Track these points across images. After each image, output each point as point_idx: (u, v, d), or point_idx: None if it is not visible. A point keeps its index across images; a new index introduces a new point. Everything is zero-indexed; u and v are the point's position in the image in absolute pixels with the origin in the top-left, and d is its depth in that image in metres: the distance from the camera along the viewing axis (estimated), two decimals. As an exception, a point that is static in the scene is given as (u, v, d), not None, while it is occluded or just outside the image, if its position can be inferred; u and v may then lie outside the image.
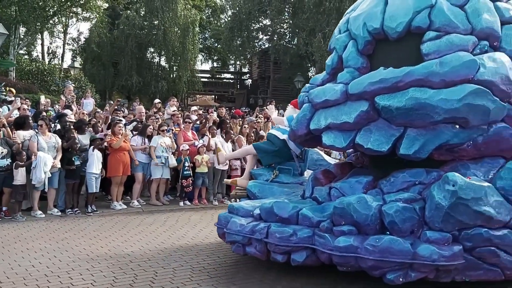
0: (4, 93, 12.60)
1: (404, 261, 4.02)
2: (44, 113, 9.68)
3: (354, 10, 5.52)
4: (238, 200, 6.01)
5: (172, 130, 10.28)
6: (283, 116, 7.23)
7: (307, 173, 6.23)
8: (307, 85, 5.76)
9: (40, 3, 22.05)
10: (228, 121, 11.31)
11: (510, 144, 4.93)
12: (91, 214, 8.55)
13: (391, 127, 4.74)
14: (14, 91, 12.40)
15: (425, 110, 4.50)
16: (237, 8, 32.18)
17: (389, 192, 4.78)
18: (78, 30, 50.02)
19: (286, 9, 31.88)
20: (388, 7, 5.03)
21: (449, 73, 4.49)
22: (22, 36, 25.80)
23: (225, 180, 6.76)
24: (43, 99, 12.83)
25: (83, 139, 8.89)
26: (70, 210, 8.51)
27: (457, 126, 4.62)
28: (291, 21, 31.27)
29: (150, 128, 9.67)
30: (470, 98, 4.42)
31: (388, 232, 4.28)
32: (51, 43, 38.29)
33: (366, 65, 5.15)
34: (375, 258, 4.06)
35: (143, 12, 31.71)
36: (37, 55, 36.00)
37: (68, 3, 24.78)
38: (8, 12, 22.12)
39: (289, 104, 6.75)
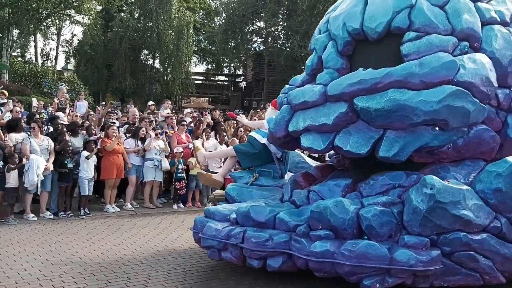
0: None
1: (381, 266, 3.92)
2: (37, 116, 9.66)
3: (334, 10, 5.44)
4: (216, 203, 5.88)
5: (166, 132, 10.31)
6: None
7: (288, 176, 6.12)
8: (286, 86, 5.65)
9: (34, 5, 21.94)
10: (222, 124, 11.25)
11: (490, 147, 4.87)
12: (84, 217, 8.48)
13: (370, 129, 4.65)
14: (6, 93, 12.39)
15: (404, 111, 4.41)
16: (231, 11, 32.15)
17: (369, 195, 4.68)
18: (72, 32, 49.45)
19: (280, 12, 31.88)
20: (368, 7, 4.94)
21: (429, 74, 4.41)
22: (15, 38, 25.63)
23: (199, 172, 6.55)
24: (35, 101, 12.78)
25: (76, 141, 8.87)
26: (62, 213, 8.44)
27: (437, 128, 4.54)
28: (285, 24, 31.26)
29: (143, 131, 9.63)
30: (450, 99, 4.34)
31: (365, 237, 4.18)
32: (44, 45, 38.03)
33: (345, 66, 5.06)
34: (352, 263, 3.96)
35: (137, 14, 31.61)
36: (31, 57, 35.88)
37: (62, 5, 24.60)
38: (1, 14, 22.04)
39: (270, 105, 6.63)
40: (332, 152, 5.63)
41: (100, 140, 9.07)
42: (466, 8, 4.74)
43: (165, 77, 31.62)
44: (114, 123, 9.60)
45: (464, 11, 4.71)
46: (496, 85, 4.64)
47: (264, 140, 5.97)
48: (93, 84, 29.50)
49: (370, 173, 4.98)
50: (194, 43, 35.04)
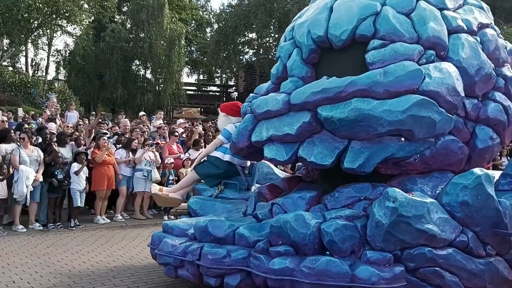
0: None
1: (341, 284, 3.71)
2: (25, 126, 9.68)
3: (300, 17, 5.29)
4: (179, 217, 5.63)
5: (158, 143, 10.28)
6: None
7: (255, 188, 5.90)
8: (251, 94, 5.46)
9: (25, 15, 21.81)
10: (213, 134, 11.12)
11: (458, 158, 4.75)
12: (74, 228, 8.37)
13: (335, 139, 4.49)
14: None
15: (368, 121, 4.26)
16: (223, 22, 32.20)
17: (333, 208, 4.51)
18: (65, 42, 49.01)
19: (272, 23, 31.97)
20: (333, 14, 4.80)
21: (393, 83, 4.27)
22: (5, 48, 25.15)
23: (152, 187, 6.14)
24: (20, 111, 12.73)
25: (64, 152, 8.76)
26: (52, 224, 8.33)
27: (403, 139, 4.40)
28: (276, 35, 31.40)
29: (135, 142, 9.59)
30: (415, 109, 4.21)
31: (327, 252, 3.98)
32: (35, 55, 37.61)
33: (310, 74, 4.90)
34: (312, 281, 3.74)
35: (129, 25, 31.69)
36: (21, 67, 35.50)
37: (53, 16, 24.36)
38: None
39: (220, 111, 6.33)
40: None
41: (91, 151, 9.01)
42: (432, 16, 4.63)
43: (157, 88, 31.56)
44: (105, 133, 9.56)
45: (430, 19, 4.60)
46: (463, 94, 4.52)
47: (227, 157, 5.71)
48: (84, 95, 29.35)
49: (338, 184, 4.81)
50: (186, 53, 35.08)
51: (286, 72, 5.09)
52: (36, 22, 23.91)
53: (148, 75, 33.28)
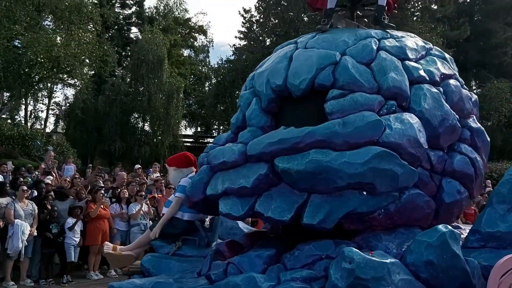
0: None
1: None
2: (21, 179, 9.68)
3: (261, 67, 5.16)
4: (131, 276, 5.20)
5: (155, 196, 10.24)
6: None
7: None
8: (209, 144, 5.23)
9: (26, 70, 21.77)
10: None
11: (425, 213, 4.51)
12: (66, 284, 8.23)
13: (294, 192, 4.23)
14: None
15: (327, 174, 4.03)
16: (221, 76, 32.74)
17: (293, 267, 4.17)
18: (65, 95, 49.66)
19: None
20: (293, 63, 4.68)
21: (353, 134, 4.09)
22: (5, 101, 25.14)
23: (105, 246, 5.66)
24: (10, 164, 12.69)
25: (63, 205, 8.64)
26: (43, 280, 8.17)
27: (365, 193, 4.16)
28: None
29: (126, 195, 9.48)
30: (375, 161, 4.00)
31: (282, 319, 3.61)
32: (34, 108, 37.71)
33: (270, 124, 4.70)
34: None
35: (128, 79, 31.90)
36: (20, 120, 35.31)
37: (54, 70, 24.36)
38: None
39: (168, 166, 5.97)
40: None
41: (86, 204, 8.90)
42: (393, 66, 4.53)
43: (155, 140, 31.43)
44: (102, 187, 9.57)
45: (391, 69, 4.49)
46: (426, 146, 4.34)
47: (187, 216, 5.35)
48: (82, 147, 29.02)
49: (303, 241, 4.50)
50: (184, 107, 35.55)
51: (245, 122, 4.89)
52: (37, 76, 24.02)
53: (147, 128, 33.38)
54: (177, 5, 38.85)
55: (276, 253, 4.45)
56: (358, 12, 5.80)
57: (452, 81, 4.92)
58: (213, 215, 5.50)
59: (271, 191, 4.27)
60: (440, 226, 3.81)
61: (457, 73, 5.20)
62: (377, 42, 4.70)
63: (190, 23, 41.77)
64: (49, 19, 24.01)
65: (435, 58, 4.99)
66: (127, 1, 38.83)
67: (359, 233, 4.47)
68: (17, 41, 22.30)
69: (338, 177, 4.02)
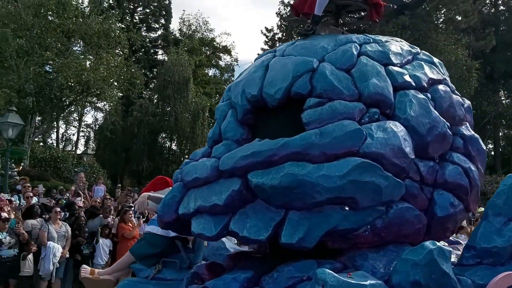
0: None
1: None
2: (53, 201, 10.09)
3: (239, 77, 4.91)
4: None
5: None
6: None
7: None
8: (186, 160, 4.96)
9: (57, 94, 22.42)
10: None
11: (415, 228, 4.17)
12: None
13: (270, 209, 3.93)
14: (27, 178, 12.50)
15: (304, 188, 3.73)
16: None
17: (272, 291, 3.84)
18: (95, 117, 51.22)
19: None
20: (269, 72, 4.42)
21: (330, 145, 3.79)
22: (37, 125, 25.73)
23: (82, 270, 5.32)
24: (41, 187, 12.82)
25: (94, 226, 8.76)
26: None
27: (347, 208, 3.84)
28: None
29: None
30: (356, 174, 3.69)
31: None
32: (65, 131, 38.58)
33: (246, 137, 4.42)
34: None
35: (156, 100, 32.89)
36: (52, 142, 36.16)
37: (84, 93, 25.07)
38: (25, 103, 22.33)
39: (142, 194, 5.62)
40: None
41: (116, 225, 9.03)
42: (375, 72, 4.24)
43: (181, 159, 32.44)
44: (130, 207, 9.56)
45: (372, 75, 4.21)
46: (412, 156, 4.02)
47: (164, 232, 5.05)
48: (111, 167, 30.19)
49: (288, 261, 4.18)
50: (210, 125, 36.41)
51: (222, 135, 4.62)
52: (68, 100, 24.62)
53: (174, 147, 34.40)
54: (201, 26, 39.83)
55: (255, 275, 4.13)
56: (341, 19, 5.55)
57: (441, 87, 4.61)
58: (189, 236, 5.20)
59: (246, 208, 3.97)
60: (427, 243, 3.48)
61: (447, 78, 4.90)
62: (358, 47, 4.43)
63: (214, 43, 42.55)
64: (78, 45, 25.00)
65: (422, 62, 4.70)
66: (153, 25, 40.08)
67: (344, 252, 4.14)
68: (48, 66, 23.18)
69: (315, 191, 3.72)
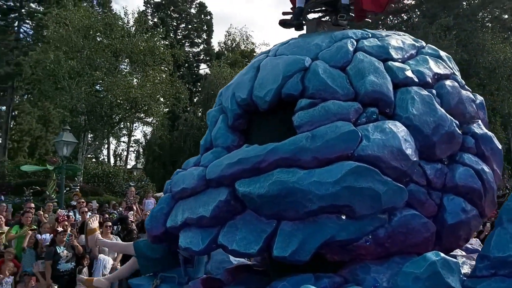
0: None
1: None
2: (106, 215, 10.12)
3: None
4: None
5: None
6: None
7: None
8: (177, 170, 4.72)
9: (107, 111, 23.30)
10: None
11: (423, 237, 3.81)
12: None
13: (260, 220, 3.65)
14: (80, 194, 12.91)
15: (294, 197, 3.45)
16: None
17: (265, 309, 3.55)
18: (143, 132, 53.23)
19: None
20: (259, 73, 4.16)
21: (322, 149, 3.50)
22: (90, 142, 26.71)
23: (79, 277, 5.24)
24: (94, 203, 13.18)
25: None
26: None
27: (344, 217, 3.53)
28: None
29: None
30: (350, 179, 3.38)
31: None
32: (116, 147, 40.10)
33: (237, 143, 4.17)
34: None
35: (200, 114, 33.56)
36: (103, 158, 37.50)
37: (133, 109, 25.94)
38: (78, 121, 23.44)
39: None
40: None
41: None
42: (372, 68, 3.92)
43: None
44: None
45: (370, 72, 3.88)
46: (415, 158, 3.68)
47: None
48: (160, 181, 31.07)
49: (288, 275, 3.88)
50: None
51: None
52: (117, 117, 25.44)
53: None
54: (243, 39, 40.40)
55: (249, 291, 3.84)
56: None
57: (448, 82, 4.25)
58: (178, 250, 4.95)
59: (235, 220, 3.71)
60: (430, 254, 3.13)
61: (456, 73, 4.53)
62: (355, 43, 4.12)
63: (255, 54, 43.30)
64: (125, 63, 25.74)
65: (427, 57, 4.34)
66: (196, 40, 41.02)
67: (346, 264, 3.81)
68: (98, 85, 24.19)
69: (307, 199, 3.42)
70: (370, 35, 4.32)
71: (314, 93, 3.81)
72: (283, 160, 3.53)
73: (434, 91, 4.10)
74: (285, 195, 3.45)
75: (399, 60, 4.16)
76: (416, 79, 4.05)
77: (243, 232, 3.64)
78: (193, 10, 40.73)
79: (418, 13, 27.33)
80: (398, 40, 4.32)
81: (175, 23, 40.71)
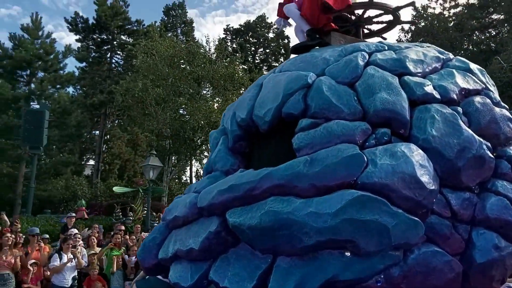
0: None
1: None
2: None
3: (238, 100, 4.36)
4: None
5: None
6: None
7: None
8: (178, 195, 4.43)
9: (190, 135, 24.36)
10: None
11: (447, 278, 3.28)
12: None
13: (255, 255, 3.27)
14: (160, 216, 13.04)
15: (289, 229, 3.05)
16: None
17: None
18: None
19: None
20: (261, 92, 3.82)
21: (321, 175, 3.08)
22: (174, 164, 28.27)
23: None
24: None
25: None
26: None
27: (348, 254, 3.07)
28: None
29: None
30: (352, 210, 2.94)
31: None
32: (198, 168, 41.87)
33: (238, 167, 3.82)
34: None
35: None
36: (186, 179, 39.40)
37: None
38: (163, 145, 24.76)
39: None
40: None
41: None
42: (384, 84, 3.47)
43: None
44: None
45: (381, 88, 3.44)
46: (432, 187, 3.17)
47: None
48: None
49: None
50: None
51: (214, 166, 4.06)
52: (199, 140, 26.73)
53: None
54: None
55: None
56: (367, 27, 4.83)
57: (478, 99, 3.71)
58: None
59: (228, 253, 3.34)
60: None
61: (491, 87, 3.97)
62: (366, 57, 3.70)
63: None
64: (207, 89, 26.61)
65: (453, 70, 3.84)
66: (273, 64, 42.44)
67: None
68: (182, 110, 25.06)
69: (303, 233, 3.00)
70: (387, 48, 3.88)
71: (316, 112, 3.41)
72: (278, 187, 3.14)
73: (460, 109, 3.58)
74: (279, 228, 3.05)
75: (419, 74, 3.68)
76: (438, 96, 3.56)
77: (235, 268, 3.26)
78: (270, 35, 41.62)
79: (508, 27, 25.41)
80: (419, 53, 3.85)
81: (253, 48, 41.72)
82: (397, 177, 3.05)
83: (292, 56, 4.34)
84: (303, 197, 3.09)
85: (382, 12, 4.29)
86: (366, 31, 4.90)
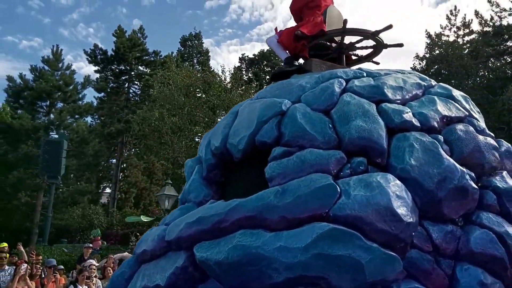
0: None
1: None
2: None
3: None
4: None
5: None
6: None
7: None
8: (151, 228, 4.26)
9: None
10: None
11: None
12: None
13: (224, 292, 3.06)
14: None
15: (258, 265, 2.87)
16: None
17: None
18: None
19: None
20: (237, 119, 3.70)
21: (292, 206, 2.93)
22: None
23: None
24: None
25: None
26: None
27: (321, 291, 2.88)
28: None
29: None
30: (323, 245, 2.78)
31: None
32: None
33: (211, 198, 3.66)
34: None
35: None
36: None
37: None
38: (179, 173, 24.61)
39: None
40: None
41: None
42: (360, 111, 3.35)
43: None
44: None
45: (356, 116, 3.32)
46: (410, 220, 3.00)
47: None
48: None
49: None
50: None
51: (189, 197, 3.91)
52: None
53: None
54: None
55: None
56: (354, 52, 4.75)
57: (460, 126, 3.57)
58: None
59: (196, 289, 3.14)
60: None
61: (474, 114, 3.84)
62: (343, 83, 3.59)
63: None
64: (222, 117, 26.86)
65: (434, 97, 3.72)
66: None
67: None
68: (197, 139, 25.33)
69: (272, 269, 2.83)
70: (365, 74, 3.77)
71: (290, 140, 3.28)
72: (247, 220, 2.98)
73: (441, 137, 3.44)
74: (247, 263, 2.88)
75: (398, 101, 3.56)
76: (417, 123, 3.43)
77: (204, 306, 3.07)
78: (284, 64, 42.69)
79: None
80: (399, 79, 3.74)
81: (267, 77, 42.29)
82: (371, 209, 2.88)
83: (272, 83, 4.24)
84: (274, 230, 2.92)
85: (362, 38, 4.20)
86: (354, 57, 4.82)
